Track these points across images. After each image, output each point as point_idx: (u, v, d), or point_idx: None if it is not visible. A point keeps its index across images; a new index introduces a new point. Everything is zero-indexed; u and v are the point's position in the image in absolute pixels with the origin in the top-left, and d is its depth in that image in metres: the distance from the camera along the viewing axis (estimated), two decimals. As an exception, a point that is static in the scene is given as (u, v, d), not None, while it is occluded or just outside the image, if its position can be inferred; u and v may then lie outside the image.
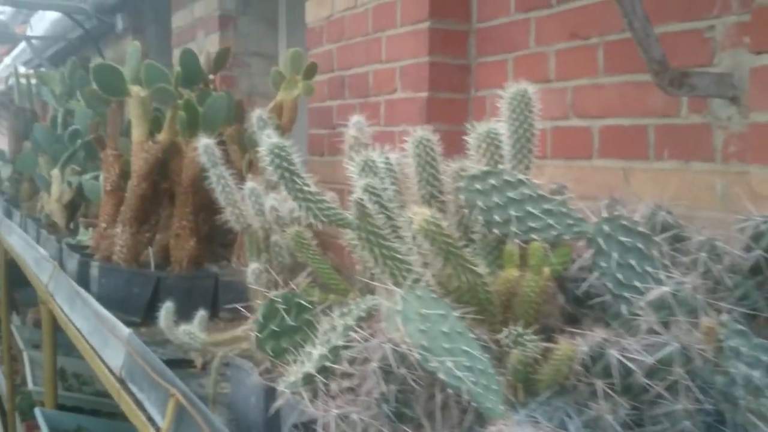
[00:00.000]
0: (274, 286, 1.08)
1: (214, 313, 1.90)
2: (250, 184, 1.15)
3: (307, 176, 0.86)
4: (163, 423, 1.22)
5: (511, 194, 0.82)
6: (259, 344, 0.85)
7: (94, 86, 2.07)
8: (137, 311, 1.94)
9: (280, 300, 0.85)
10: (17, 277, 3.68)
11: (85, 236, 2.48)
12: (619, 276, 0.77)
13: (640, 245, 0.77)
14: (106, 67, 2.04)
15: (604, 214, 0.79)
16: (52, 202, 2.86)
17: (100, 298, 1.91)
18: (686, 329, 0.68)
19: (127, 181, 2.11)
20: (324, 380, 0.74)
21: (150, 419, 1.34)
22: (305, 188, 0.84)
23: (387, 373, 0.67)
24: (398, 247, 0.81)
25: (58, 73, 3.20)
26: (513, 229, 0.81)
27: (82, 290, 1.99)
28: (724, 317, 0.73)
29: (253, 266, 1.13)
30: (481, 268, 0.78)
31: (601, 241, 0.78)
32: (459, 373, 0.66)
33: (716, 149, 1.38)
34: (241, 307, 1.08)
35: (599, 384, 0.67)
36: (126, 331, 1.59)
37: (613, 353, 0.67)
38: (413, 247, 0.82)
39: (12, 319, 4.35)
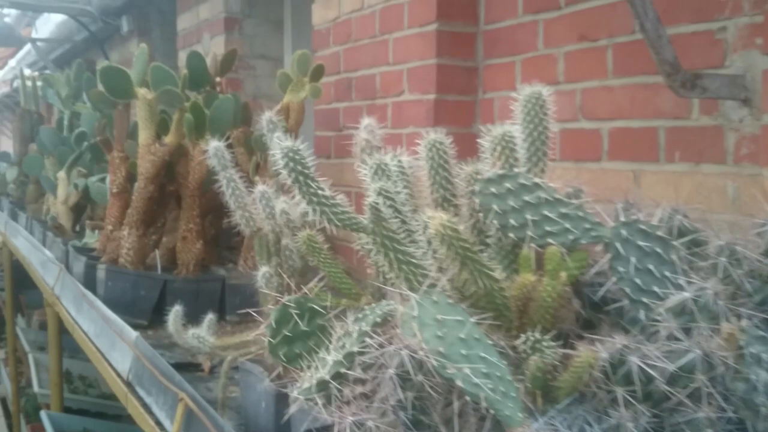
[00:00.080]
0: (285, 290, 1.07)
1: (221, 316, 1.89)
2: (260, 187, 1.14)
3: (322, 180, 0.85)
4: (171, 427, 1.21)
5: (527, 198, 0.81)
6: (272, 349, 0.84)
7: (101, 88, 2.07)
8: (144, 314, 1.94)
9: (293, 305, 0.84)
10: (22, 279, 3.69)
11: (91, 239, 2.48)
12: (638, 281, 0.75)
13: (658, 250, 0.76)
14: (113, 70, 2.03)
15: (622, 218, 0.78)
16: (58, 204, 2.85)
17: (106, 301, 1.90)
18: (708, 336, 0.67)
19: (133, 184, 2.11)
20: (338, 387, 0.73)
21: (158, 423, 1.33)
22: (319, 192, 0.83)
23: (404, 380, 0.66)
24: (413, 252, 0.80)
25: (64, 76, 3.21)
26: (529, 233, 0.80)
27: (88, 293, 1.98)
28: (744, 323, 0.72)
29: (263, 270, 1.12)
30: (498, 273, 0.77)
31: (618, 245, 0.76)
32: (477, 380, 0.65)
33: (728, 151, 1.37)
34: (249, 310, 1.07)
35: (620, 391, 0.66)
36: (133, 334, 1.58)
37: (635, 360, 0.65)
38: (428, 251, 0.81)
39: (17, 321, 4.35)
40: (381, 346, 0.71)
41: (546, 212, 0.80)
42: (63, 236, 2.70)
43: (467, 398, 0.67)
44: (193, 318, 1.39)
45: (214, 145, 1.23)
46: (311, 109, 2.45)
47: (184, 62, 2.65)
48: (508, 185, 0.81)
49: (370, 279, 1.04)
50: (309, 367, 0.79)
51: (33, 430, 3.36)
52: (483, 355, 0.67)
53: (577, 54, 1.68)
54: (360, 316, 0.76)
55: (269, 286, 1.10)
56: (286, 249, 1.14)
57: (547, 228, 0.80)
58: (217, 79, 2.31)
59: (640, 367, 0.65)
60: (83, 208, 2.89)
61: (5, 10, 5.49)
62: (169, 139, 2.03)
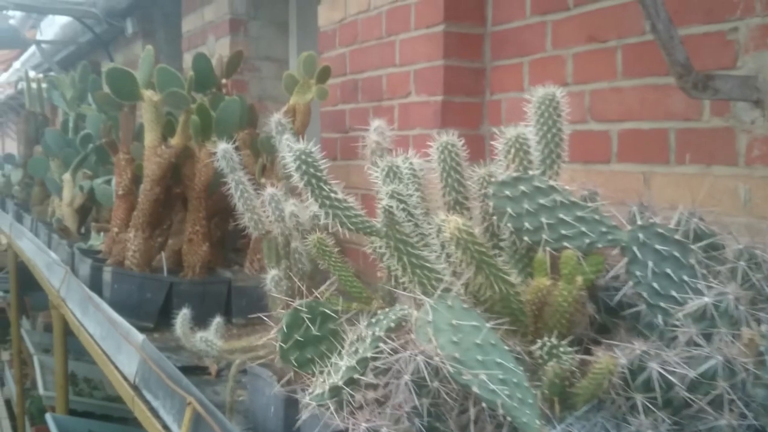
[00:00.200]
0: (294, 294, 1.06)
1: (227, 318, 1.88)
2: (270, 189, 1.13)
3: (334, 182, 0.84)
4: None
5: (542, 201, 0.79)
6: (284, 354, 0.83)
7: (107, 90, 2.06)
8: (150, 317, 1.93)
9: (304, 309, 0.83)
10: (27, 281, 3.69)
11: (97, 241, 2.47)
12: (655, 285, 0.74)
13: (676, 253, 0.75)
14: (118, 72, 2.03)
15: (639, 222, 0.77)
16: (64, 206, 2.85)
17: (112, 304, 1.90)
18: (728, 341, 0.65)
19: (139, 186, 2.10)
20: (351, 393, 0.72)
21: (165, 427, 1.32)
22: (332, 195, 0.82)
23: (420, 386, 0.65)
24: (427, 256, 0.79)
25: (69, 78, 3.21)
26: (544, 236, 0.79)
27: (94, 295, 1.97)
28: (765, 328, 0.71)
29: (272, 273, 1.11)
30: (514, 278, 0.76)
31: (636, 249, 0.75)
32: (493, 387, 0.64)
33: (740, 153, 1.35)
34: (259, 315, 1.06)
35: (639, 398, 0.65)
36: (140, 337, 1.57)
37: (655, 366, 0.64)
38: (441, 255, 0.80)
39: (22, 323, 4.35)
40: (395, 351, 0.70)
41: (561, 215, 0.79)
42: (68, 238, 2.70)
43: (484, 405, 0.66)
44: (199, 320, 1.38)
45: (222, 147, 1.22)
46: (317, 110, 2.44)
47: (189, 64, 2.64)
48: (522, 188, 0.80)
49: (380, 282, 1.03)
50: (321, 373, 0.77)
51: (37, 432, 3.36)
52: (499, 360, 0.66)
53: (585, 55, 1.67)
54: (373, 320, 0.74)
55: (278, 290, 1.09)
56: (295, 252, 1.13)
57: (563, 231, 0.79)
58: (223, 80, 2.31)
59: (660, 373, 0.64)
60: (88, 210, 2.89)
61: (10, 12, 5.49)
62: (175, 141, 2.03)
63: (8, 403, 4.55)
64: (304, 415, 0.75)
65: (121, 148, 2.21)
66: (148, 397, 1.44)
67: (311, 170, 0.82)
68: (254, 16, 3.27)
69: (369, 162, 1.05)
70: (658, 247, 0.75)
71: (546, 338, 0.72)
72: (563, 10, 1.71)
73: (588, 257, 0.79)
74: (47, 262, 2.62)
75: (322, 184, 0.82)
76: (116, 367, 1.66)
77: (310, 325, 0.81)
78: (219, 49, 3.26)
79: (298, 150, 0.82)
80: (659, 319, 0.74)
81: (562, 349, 0.71)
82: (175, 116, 2.08)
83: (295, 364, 0.83)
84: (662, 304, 0.74)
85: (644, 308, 0.76)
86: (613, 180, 1.59)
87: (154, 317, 1.93)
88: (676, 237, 0.76)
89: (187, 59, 3.63)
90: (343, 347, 0.78)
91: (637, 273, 0.75)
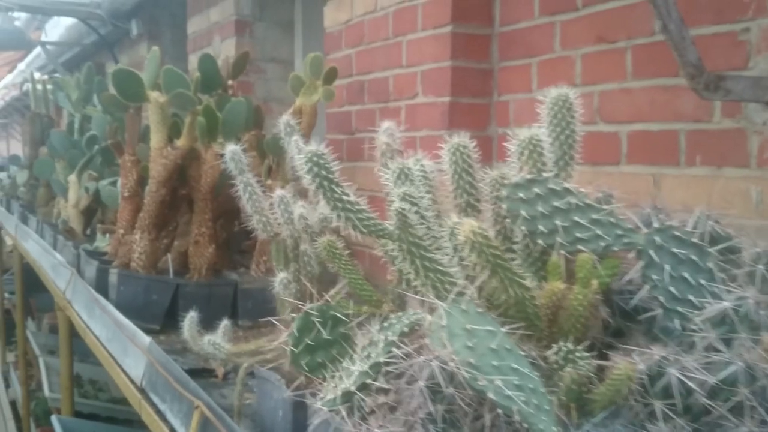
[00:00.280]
0: (303, 297, 1.05)
1: (233, 320, 1.87)
2: (279, 191, 1.12)
3: (346, 185, 0.84)
4: (187, 436, 1.19)
5: (556, 203, 0.78)
6: (295, 359, 0.82)
7: (113, 91, 2.06)
8: (156, 319, 1.92)
9: (315, 313, 0.82)
10: (32, 283, 3.69)
11: (102, 242, 2.47)
12: (672, 289, 0.73)
13: (694, 257, 0.74)
14: (125, 73, 2.02)
15: (655, 224, 0.76)
16: (69, 207, 2.85)
17: (118, 306, 1.89)
18: (749, 347, 0.64)
19: (144, 187, 2.10)
20: (363, 398, 0.71)
21: (173, 431, 1.31)
22: (344, 197, 0.82)
23: (434, 392, 0.64)
24: (440, 259, 0.78)
25: (74, 79, 3.21)
26: (559, 239, 0.78)
27: (101, 297, 1.97)
28: (784, 333, 0.70)
29: (281, 276, 1.10)
30: (529, 281, 0.75)
31: (652, 252, 0.74)
32: (509, 393, 0.63)
33: (751, 155, 1.34)
34: (269, 318, 1.05)
35: (658, 405, 0.63)
36: (146, 339, 1.56)
37: (674, 372, 0.63)
38: (454, 258, 0.79)
39: (27, 325, 4.36)
40: (408, 356, 0.69)
41: (576, 218, 0.78)
42: (74, 240, 2.70)
43: (499, 411, 0.65)
44: (205, 322, 1.37)
45: (231, 148, 1.21)
46: (322, 112, 2.43)
47: (194, 65, 2.63)
48: (536, 190, 0.79)
49: (391, 285, 1.02)
50: (332, 377, 0.77)
51: (43, 434, 3.36)
52: (515, 366, 0.65)
53: (594, 56, 1.66)
54: (386, 324, 0.74)
55: (287, 293, 1.08)
56: (304, 255, 1.12)
57: (578, 234, 0.78)
58: (229, 82, 2.30)
59: (679, 379, 0.63)
60: (94, 211, 2.89)
61: (15, 14, 5.51)
62: (181, 142, 2.02)
63: (13, 404, 4.56)
64: (316, 420, 0.74)
65: (127, 150, 2.21)
66: (155, 400, 1.44)
67: (323, 172, 0.81)
68: (260, 18, 3.26)
69: (379, 164, 1.04)
70: (675, 250, 0.74)
71: (562, 343, 0.71)
72: (572, 11, 1.70)
73: (603, 261, 0.78)
74: (53, 264, 2.62)
75: (333, 186, 0.81)
76: (123, 370, 1.66)
77: (321, 328, 0.81)
78: (224, 51, 3.26)
79: (309, 152, 0.81)
80: (676, 324, 0.73)
81: (578, 354, 0.70)
82: (181, 118, 2.07)
83: (306, 369, 0.83)
84: (679, 309, 0.73)
85: (660, 313, 0.75)
86: (623, 182, 1.58)
87: (160, 319, 1.92)
88: (694, 240, 0.75)
89: (193, 60, 3.63)
90: (354, 351, 0.78)
91: (654, 277, 0.74)
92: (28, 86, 4.67)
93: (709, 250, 0.75)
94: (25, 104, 8.01)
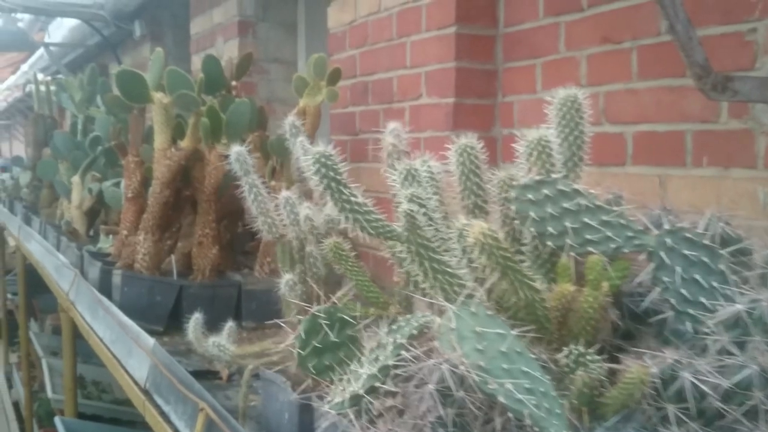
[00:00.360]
0: (310, 299, 1.04)
1: (237, 321, 1.87)
2: (284, 193, 1.12)
3: (354, 186, 0.83)
4: (192, 438, 1.18)
5: (566, 205, 0.78)
6: (302, 361, 0.81)
7: (117, 92, 2.06)
8: (160, 320, 1.92)
9: (322, 315, 0.81)
10: (35, 284, 3.69)
11: (106, 243, 2.47)
12: (684, 292, 0.72)
13: (705, 259, 0.73)
14: (128, 74, 2.02)
15: (666, 226, 0.75)
16: (73, 208, 2.85)
17: (122, 307, 1.89)
18: (763, 350, 0.63)
19: (148, 189, 2.10)
20: (372, 401, 0.70)
21: (177, 433, 1.31)
22: (352, 199, 0.81)
23: (445, 396, 0.63)
24: (449, 261, 0.77)
25: (77, 80, 3.21)
26: (568, 241, 0.77)
27: (104, 299, 1.96)
28: (797, 336, 0.69)
29: (286, 277, 1.10)
30: (539, 284, 0.74)
31: (663, 254, 0.73)
32: (520, 396, 0.62)
33: (758, 156, 1.33)
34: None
35: (671, 409, 0.63)
36: (151, 341, 1.56)
37: (687, 376, 0.62)
38: (462, 260, 0.79)
39: (30, 326, 4.36)
40: (417, 359, 0.68)
41: (586, 220, 0.77)
42: (77, 241, 2.70)
43: (510, 415, 0.64)
44: (209, 324, 1.37)
45: (236, 149, 1.20)
46: (326, 113, 2.43)
47: (197, 66, 2.63)
48: (546, 192, 0.78)
49: (397, 287, 1.02)
50: (340, 380, 0.76)
51: (46, 435, 3.35)
52: (525, 369, 0.65)
53: (600, 56, 1.65)
54: (394, 327, 0.73)
55: (293, 294, 1.07)
56: (310, 256, 1.12)
57: (588, 236, 0.77)
58: (233, 82, 2.30)
59: (692, 383, 0.62)
60: (97, 212, 2.89)
61: (18, 15, 5.51)
62: (185, 143, 2.02)
63: (16, 405, 4.56)
64: (324, 423, 0.74)
65: (131, 151, 2.20)
66: (159, 402, 1.43)
67: (331, 173, 0.80)
68: (263, 18, 3.26)
69: (385, 165, 1.03)
70: (686, 252, 0.73)
71: (572, 346, 0.70)
72: (577, 11, 1.69)
73: (613, 263, 0.77)
74: (56, 265, 2.61)
75: (341, 187, 0.81)
76: (127, 372, 1.65)
77: (328, 331, 0.80)
78: (227, 51, 3.26)
79: (317, 153, 0.81)
80: (688, 327, 0.72)
81: (589, 358, 0.69)
82: (185, 119, 2.07)
83: (314, 371, 0.82)
84: (691, 311, 0.72)
85: (671, 315, 0.74)
86: (628, 183, 1.57)
87: (163, 321, 1.92)
88: (705, 242, 0.75)
89: (196, 61, 3.63)
90: (361, 354, 0.77)
91: (665, 279, 0.73)
92: (31, 87, 4.68)
93: (721, 252, 0.74)
94: (27, 105, 8.01)
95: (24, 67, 7.56)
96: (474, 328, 0.67)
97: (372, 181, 1.73)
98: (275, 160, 2.05)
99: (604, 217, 0.78)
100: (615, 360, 0.73)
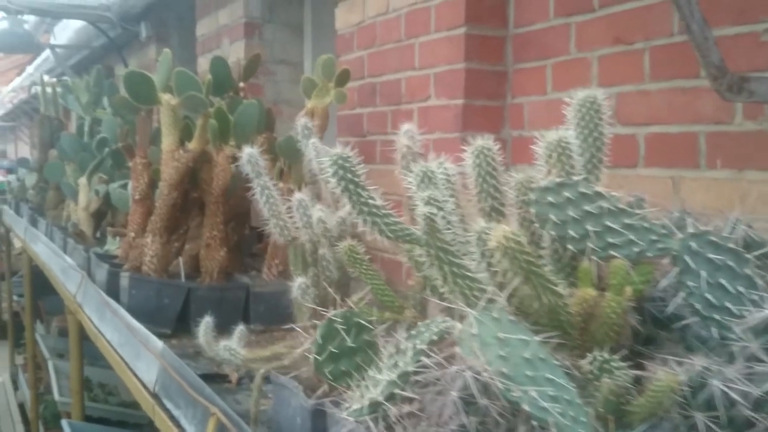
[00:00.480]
0: (322, 302, 1.03)
1: (245, 324, 1.86)
2: (297, 195, 1.11)
3: (373, 189, 0.82)
4: (203, 443, 1.17)
5: (587, 208, 0.76)
6: (318, 367, 0.80)
7: (125, 94, 2.05)
8: (168, 323, 1.91)
9: (339, 320, 0.80)
10: (41, 286, 3.69)
11: (112, 245, 2.46)
12: (709, 296, 0.71)
13: (731, 263, 0.71)
14: (136, 75, 2.01)
15: (691, 230, 0.73)
16: (79, 210, 2.85)
17: (130, 309, 1.88)
18: (794, 357, 0.62)
19: (155, 190, 2.09)
20: (391, 407, 0.69)
21: (187, 438, 1.30)
22: (371, 202, 0.80)
23: (468, 403, 0.62)
24: (468, 265, 0.76)
25: (84, 82, 3.21)
26: (590, 245, 0.76)
27: (112, 301, 1.96)
28: (825, 342, 0.67)
29: (299, 281, 1.08)
30: (562, 288, 0.72)
31: (688, 258, 0.72)
32: (545, 404, 0.61)
33: (774, 157, 1.32)
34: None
35: (700, 417, 0.61)
36: (159, 344, 1.55)
37: (717, 384, 0.61)
38: (481, 264, 0.77)
39: (36, 328, 4.36)
40: (439, 365, 0.67)
41: (609, 223, 0.76)
42: (84, 243, 2.69)
43: (534, 423, 0.63)
44: (217, 326, 1.36)
45: (248, 151, 1.19)
46: (333, 114, 2.42)
47: (203, 68, 2.62)
48: (566, 194, 0.77)
49: (411, 291, 1.00)
50: (357, 386, 0.75)
51: (51, 437, 3.35)
52: (550, 376, 0.63)
53: (611, 57, 1.64)
54: (414, 332, 0.72)
55: (306, 298, 1.06)
56: (323, 259, 1.10)
57: (610, 240, 0.76)
58: (240, 84, 2.29)
59: (722, 391, 0.61)
60: (104, 214, 2.88)
61: (24, 17, 5.52)
62: (192, 145, 2.01)
63: (22, 407, 4.56)
64: (342, 430, 0.72)
65: (138, 153, 2.20)
66: (169, 405, 1.42)
67: (348, 176, 0.79)
68: (269, 20, 3.25)
69: (399, 166, 1.02)
70: (711, 256, 0.72)
71: (597, 352, 0.69)
72: (588, 12, 1.67)
73: (637, 267, 0.76)
74: (63, 267, 2.61)
75: (360, 190, 0.79)
76: (135, 375, 1.64)
77: (345, 336, 0.79)
78: (233, 53, 3.25)
79: (335, 155, 0.79)
80: (713, 332, 0.70)
81: (614, 364, 0.68)
82: (193, 120, 2.06)
83: (330, 377, 0.81)
84: (717, 317, 0.70)
85: (696, 321, 0.72)
86: (640, 185, 1.55)
87: (171, 323, 1.91)
88: (730, 245, 0.73)
89: (202, 63, 3.62)
90: (379, 360, 0.76)
91: (690, 283, 0.72)
92: (36, 89, 4.68)
93: (747, 255, 0.73)
94: (33, 107, 8.03)
95: (29, 69, 7.58)
96: (496, 334, 0.65)
97: (382, 182, 1.71)
98: (283, 162, 2.04)
99: (627, 221, 0.76)
100: (638, 366, 0.72)
